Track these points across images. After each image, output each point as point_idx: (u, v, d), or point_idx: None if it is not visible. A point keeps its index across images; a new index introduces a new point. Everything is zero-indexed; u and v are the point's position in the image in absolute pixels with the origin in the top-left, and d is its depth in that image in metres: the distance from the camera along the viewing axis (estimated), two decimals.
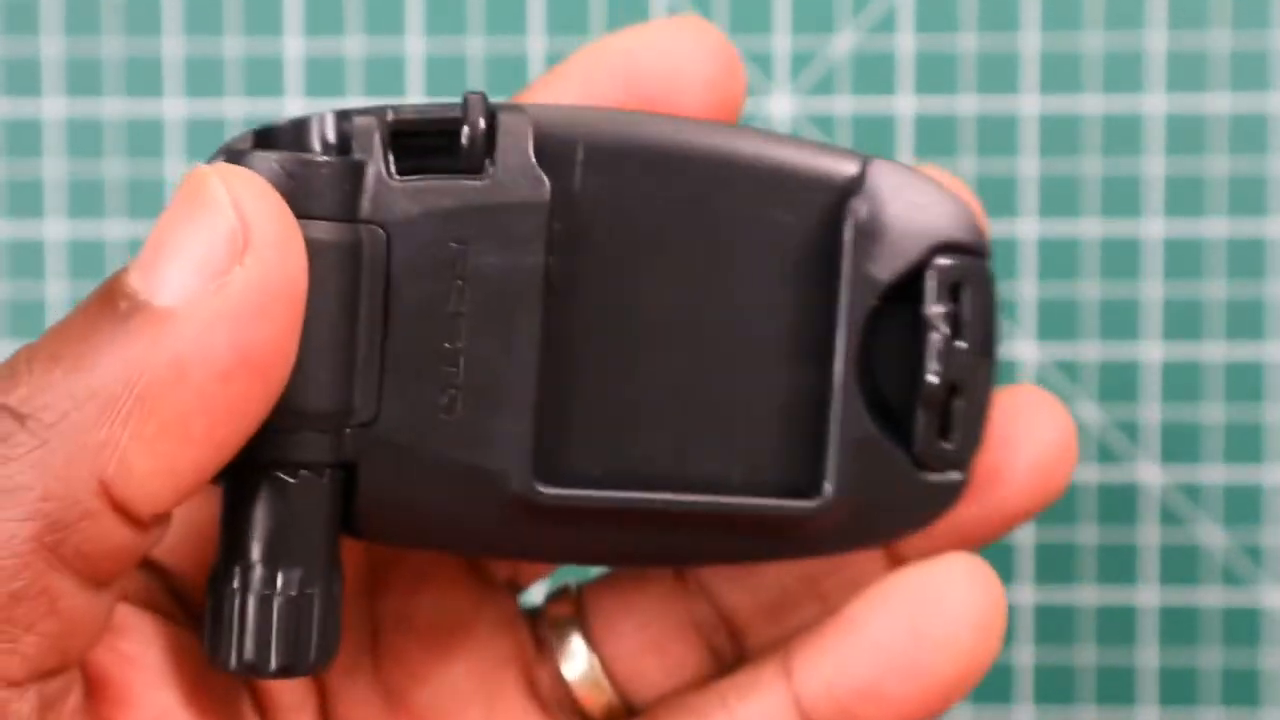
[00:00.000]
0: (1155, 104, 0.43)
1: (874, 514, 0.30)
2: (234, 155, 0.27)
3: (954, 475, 0.31)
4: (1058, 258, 0.43)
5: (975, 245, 0.31)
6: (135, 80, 0.44)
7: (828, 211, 0.30)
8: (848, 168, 0.30)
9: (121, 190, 0.44)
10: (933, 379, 0.30)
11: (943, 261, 0.30)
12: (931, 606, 0.30)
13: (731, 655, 0.33)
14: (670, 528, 0.29)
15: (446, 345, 0.28)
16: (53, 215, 0.44)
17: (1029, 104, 0.43)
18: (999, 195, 0.43)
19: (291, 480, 0.27)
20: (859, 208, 0.30)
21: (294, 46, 0.44)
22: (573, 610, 0.33)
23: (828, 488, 0.30)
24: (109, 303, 0.25)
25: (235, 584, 0.28)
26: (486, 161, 0.28)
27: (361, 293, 0.28)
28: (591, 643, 0.33)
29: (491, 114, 0.28)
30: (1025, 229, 0.43)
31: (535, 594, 0.38)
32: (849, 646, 0.30)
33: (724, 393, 0.30)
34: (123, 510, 0.25)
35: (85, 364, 0.25)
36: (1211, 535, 0.43)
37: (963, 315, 0.30)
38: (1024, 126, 0.43)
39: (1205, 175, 0.43)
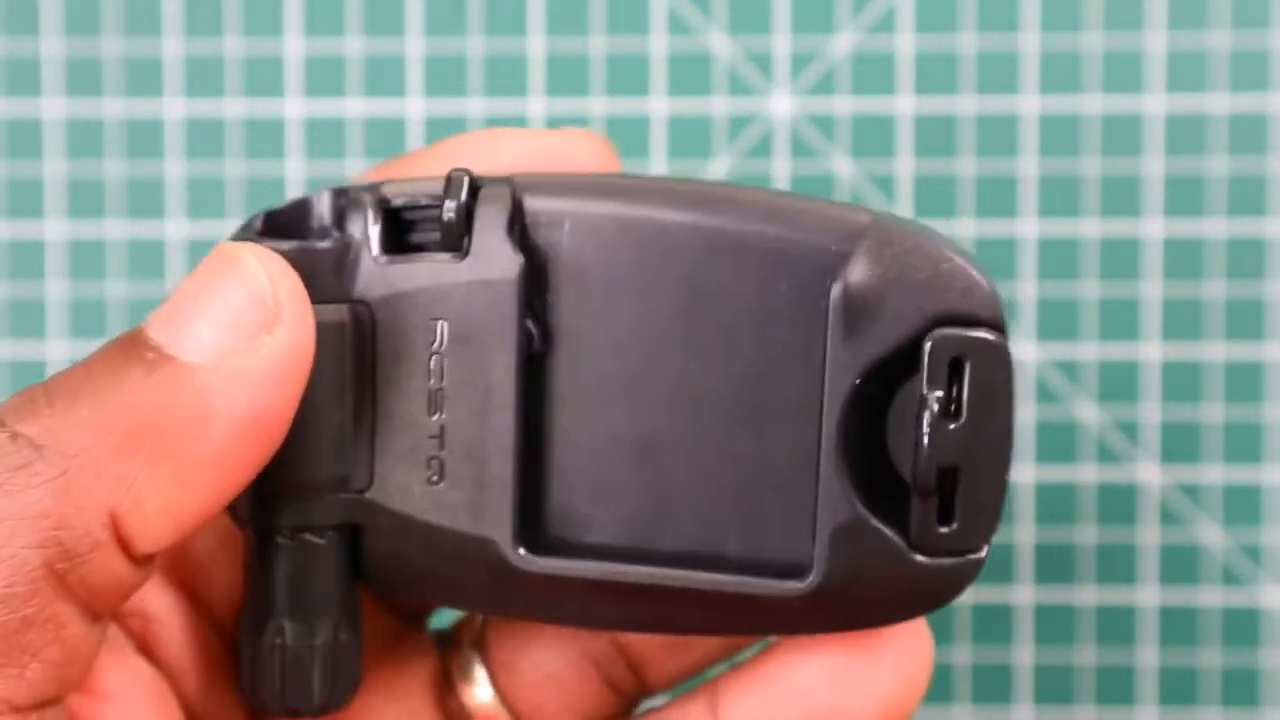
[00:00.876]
0: (1155, 104, 0.43)
1: (867, 598, 0.29)
2: (237, 239, 0.29)
3: (958, 560, 0.29)
4: (1058, 258, 0.43)
5: (985, 317, 0.29)
6: (135, 80, 0.44)
7: (823, 278, 0.29)
8: (851, 227, 0.29)
9: (121, 190, 0.44)
10: (922, 462, 0.28)
11: (942, 334, 0.28)
12: (857, 653, 0.30)
13: (632, 688, 0.33)
14: (657, 601, 0.29)
15: (431, 417, 0.29)
16: (53, 215, 0.44)
17: (1029, 104, 0.43)
18: (999, 195, 0.43)
19: (289, 543, 0.29)
20: (849, 274, 0.28)
21: (294, 46, 0.44)
22: (476, 635, 0.33)
23: (813, 572, 0.29)
24: (133, 351, 0.27)
25: (243, 630, 0.30)
26: (465, 239, 0.29)
27: (350, 368, 0.29)
28: (492, 674, 0.33)
29: (475, 189, 0.29)
30: (1025, 229, 0.43)
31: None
32: (774, 690, 0.30)
33: (716, 468, 0.29)
34: (126, 545, 0.26)
35: (109, 403, 0.26)
36: (1211, 535, 0.43)
37: (964, 393, 0.28)
38: (1024, 126, 0.43)
39: (1205, 175, 0.43)
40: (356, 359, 0.29)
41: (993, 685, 0.44)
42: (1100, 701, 0.43)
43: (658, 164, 0.44)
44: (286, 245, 0.29)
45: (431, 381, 0.29)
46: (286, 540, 0.30)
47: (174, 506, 0.26)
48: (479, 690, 0.33)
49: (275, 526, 0.29)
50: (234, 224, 0.44)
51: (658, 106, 0.44)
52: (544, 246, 0.29)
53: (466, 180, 0.29)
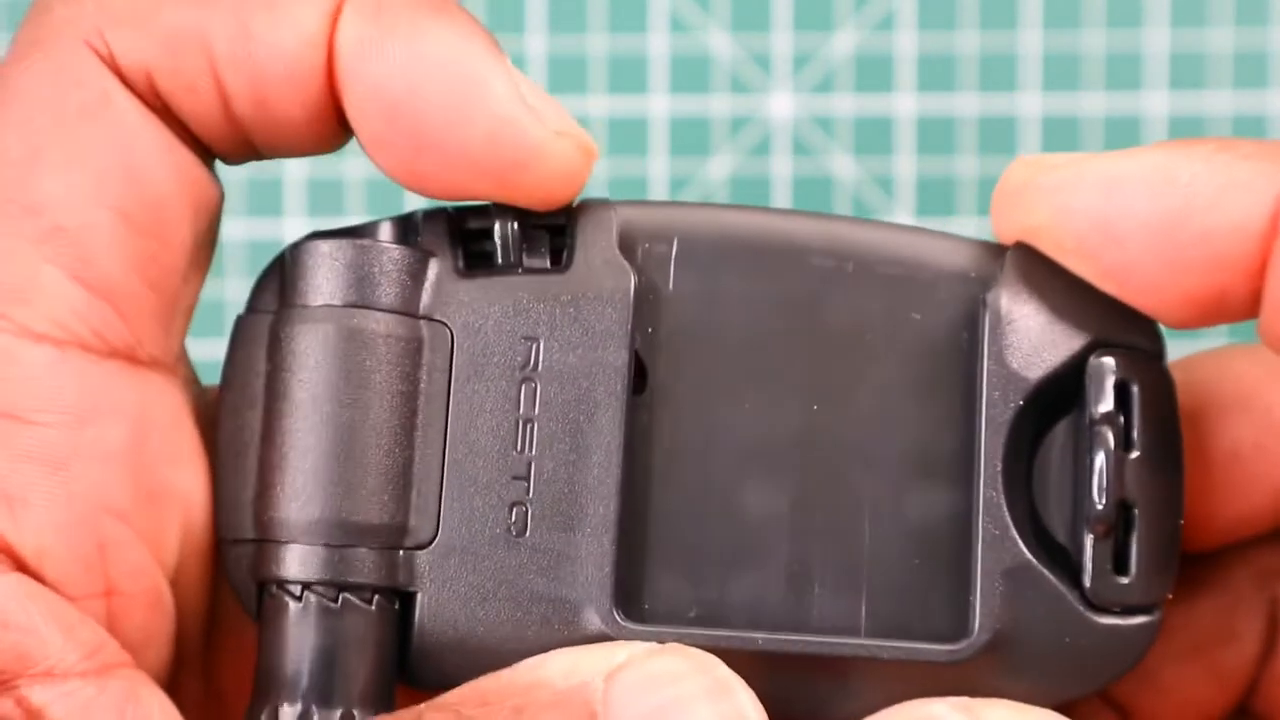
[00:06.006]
0: (1156, 103, 0.43)
1: (1037, 664, 0.25)
2: (297, 244, 0.26)
3: (1137, 619, 0.26)
4: None
5: (1144, 342, 0.26)
6: None
7: (963, 307, 0.26)
8: (985, 256, 0.26)
9: None
10: (1098, 497, 0.25)
11: (1106, 358, 0.25)
12: None
13: None
14: (781, 675, 0.25)
15: (515, 453, 0.25)
16: None
17: (1029, 104, 0.43)
18: None
19: (333, 604, 0.25)
20: (998, 298, 0.26)
21: None
22: None
23: (975, 628, 0.25)
24: (580, 714, 0.23)
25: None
26: (565, 255, 0.26)
27: (420, 395, 0.25)
28: None
29: (569, 210, 0.26)
30: None
31: None
32: None
33: (847, 519, 0.26)
34: None
35: None
36: None
37: (1134, 421, 0.25)
38: (1024, 126, 0.43)
39: None
40: (429, 385, 0.25)
41: None
42: None
43: (658, 164, 0.44)
44: (341, 241, 0.25)
45: (521, 410, 0.25)
46: (323, 600, 0.25)
47: None
48: None
49: (309, 579, 0.24)
50: (234, 223, 0.44)
51: (658, 106, 0.44)
52: (648, 269, 0.26)
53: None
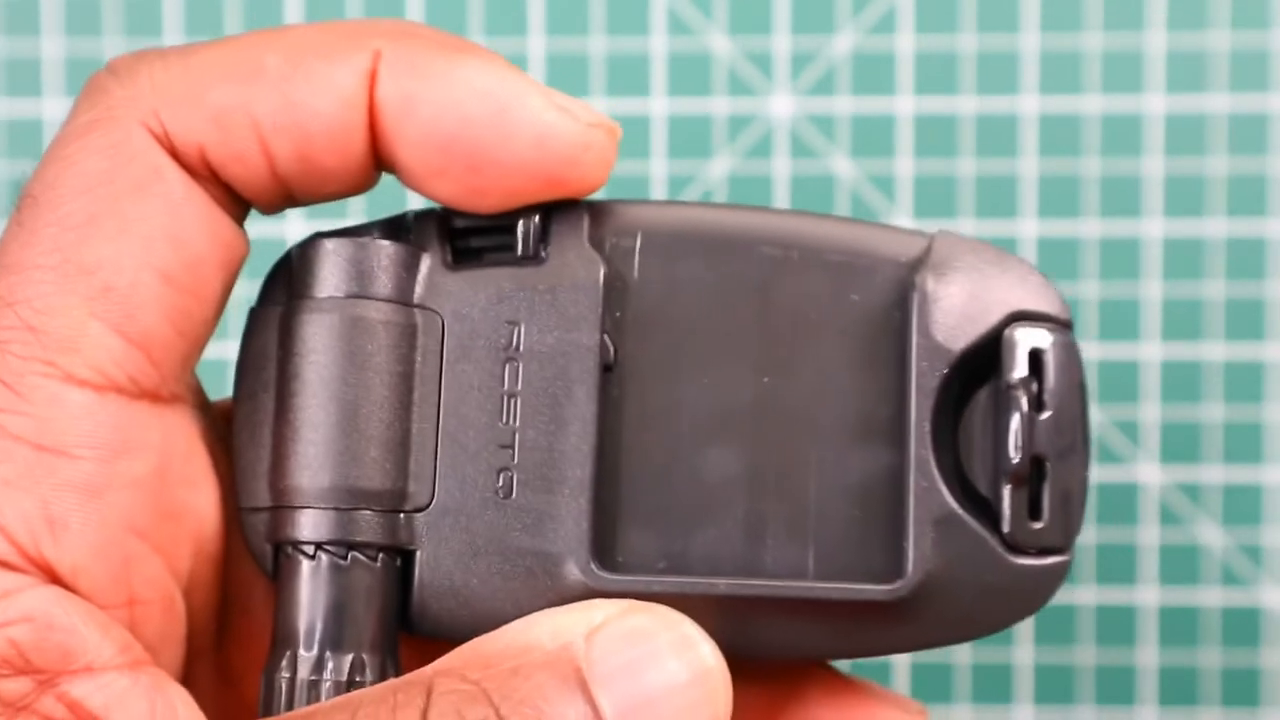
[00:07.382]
0: (1155, 104, 0.43)
1: (964, 601, 0.29)
2: (303, 242, 0.28)
3: (1051, 560, 0.29)
4: (1058, 258, 0.43)
5: (1055, 315, 0.29)
6: None
7: (895, 288, 0.29)
8: (913, 243, 0.29)
9: None
10: (1013, 452, 0.28)
11: (1020, 330, 0.29)
12: None
13: None
14: (740, 617, 0.29)
15: (501, 425, 0.28)
16: None
17: (1029, 104, 0.43)
18: (999, 195, 0.43)
19: (342, 562, 0.28)
20: (925, 279, 0.29)
21: None
22: None
23: (909, 569, 0.28)
24: (567, 671, 0.26)
25: (284, 671, 0.28)
26: (542, 249, 0.29)
27: (416, 375, 0.28)
28: None
29: (547, 209, 0.29)
30: (1025, 229, 0.43)
31: None
32: None
33: (795, 478, 0.29)
34: None
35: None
36: (1211, 535, 0.43)
37: (1045, 385, 0.29)
38: (1024, 126, 0.43)
39: (1205, 175, 0.43)
40: (423, 367, 0.28)
41: (993, 685, 0.44)
42: (1100, 701, 0.44)
43: (658, 164, 0.44)
44: (342, 239, 0.28)
45: (506, 386, 0.28)
46: (334, 558, 0.28)
47: None
48: None
49: (320, 540, 0.28)
50: None
51: (658, 106, 0.44)
52: (615, 261, 0.29)
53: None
